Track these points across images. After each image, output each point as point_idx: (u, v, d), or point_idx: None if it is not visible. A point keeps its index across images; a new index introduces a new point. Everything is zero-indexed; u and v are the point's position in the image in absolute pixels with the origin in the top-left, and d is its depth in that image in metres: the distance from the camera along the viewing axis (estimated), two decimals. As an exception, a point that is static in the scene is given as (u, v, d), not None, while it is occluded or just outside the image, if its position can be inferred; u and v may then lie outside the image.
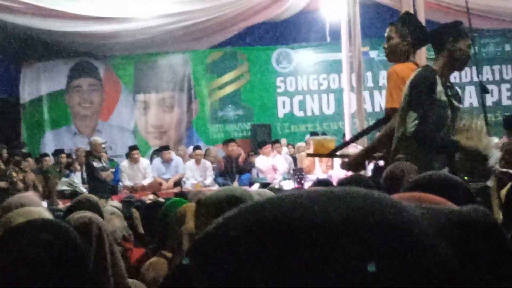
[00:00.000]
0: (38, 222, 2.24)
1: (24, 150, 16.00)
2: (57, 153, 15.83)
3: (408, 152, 4.85)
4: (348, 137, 11.43)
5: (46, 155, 15.91)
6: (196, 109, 18.95)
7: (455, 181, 2.49)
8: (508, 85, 18.19)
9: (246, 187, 11.27)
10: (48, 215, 2.95)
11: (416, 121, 4.72)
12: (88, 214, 2.83)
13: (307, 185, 11.66)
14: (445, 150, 4.86)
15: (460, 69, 5.18)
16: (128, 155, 15.09)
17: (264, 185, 11.56)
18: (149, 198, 9.49)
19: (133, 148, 15.19)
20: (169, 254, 4.01)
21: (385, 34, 5.56)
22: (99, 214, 3.42)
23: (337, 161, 13.92)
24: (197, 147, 15.51)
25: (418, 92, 4.75)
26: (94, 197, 4.64)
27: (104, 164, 14.34)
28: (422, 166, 4.26)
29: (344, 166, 6.22)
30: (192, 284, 0.83)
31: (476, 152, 4.66)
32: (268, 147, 14.65)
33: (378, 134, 6.67)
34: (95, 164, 14.06)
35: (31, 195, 4.25)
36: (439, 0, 14.36)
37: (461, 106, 5.11)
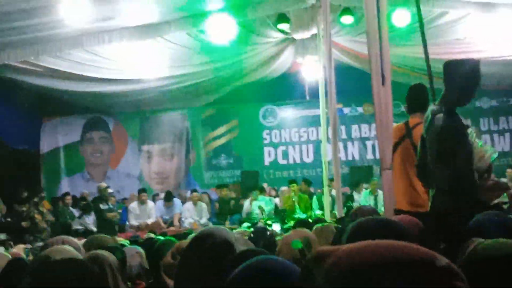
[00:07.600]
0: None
1: (42, 195, 15.83)
2: (64, 196, 15.45)
3: None
4: (325, 182, 11.42)
5: (64, 195, 15.59)
6: (193, 158, 18.98)
7: None
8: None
9: (222, 227, 11.47)
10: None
11: None
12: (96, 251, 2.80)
13: (289, 222, 11.64)
14: None
15: None
16: (138, 197, 15.08)
17: (253, 224, 11.56)
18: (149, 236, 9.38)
19: (142, 191, 15.24)
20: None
21: None
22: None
23: (315, 203, 13.94)
24: (194, 190, 15.48)
25: None
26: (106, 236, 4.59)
27: (111, 206, 14.37)
28: None
29: None
30: None
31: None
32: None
33: None
34: (102, 206, 14.10)
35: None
36: (403, 64, 14.47)
37: None
